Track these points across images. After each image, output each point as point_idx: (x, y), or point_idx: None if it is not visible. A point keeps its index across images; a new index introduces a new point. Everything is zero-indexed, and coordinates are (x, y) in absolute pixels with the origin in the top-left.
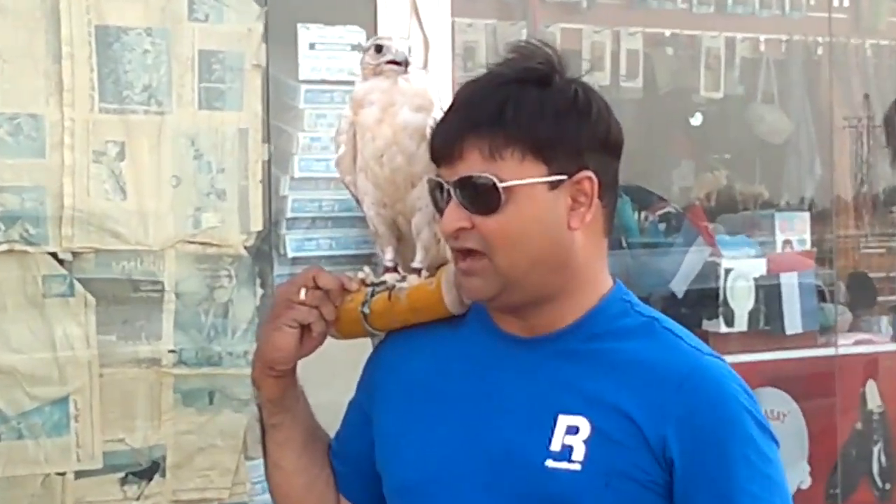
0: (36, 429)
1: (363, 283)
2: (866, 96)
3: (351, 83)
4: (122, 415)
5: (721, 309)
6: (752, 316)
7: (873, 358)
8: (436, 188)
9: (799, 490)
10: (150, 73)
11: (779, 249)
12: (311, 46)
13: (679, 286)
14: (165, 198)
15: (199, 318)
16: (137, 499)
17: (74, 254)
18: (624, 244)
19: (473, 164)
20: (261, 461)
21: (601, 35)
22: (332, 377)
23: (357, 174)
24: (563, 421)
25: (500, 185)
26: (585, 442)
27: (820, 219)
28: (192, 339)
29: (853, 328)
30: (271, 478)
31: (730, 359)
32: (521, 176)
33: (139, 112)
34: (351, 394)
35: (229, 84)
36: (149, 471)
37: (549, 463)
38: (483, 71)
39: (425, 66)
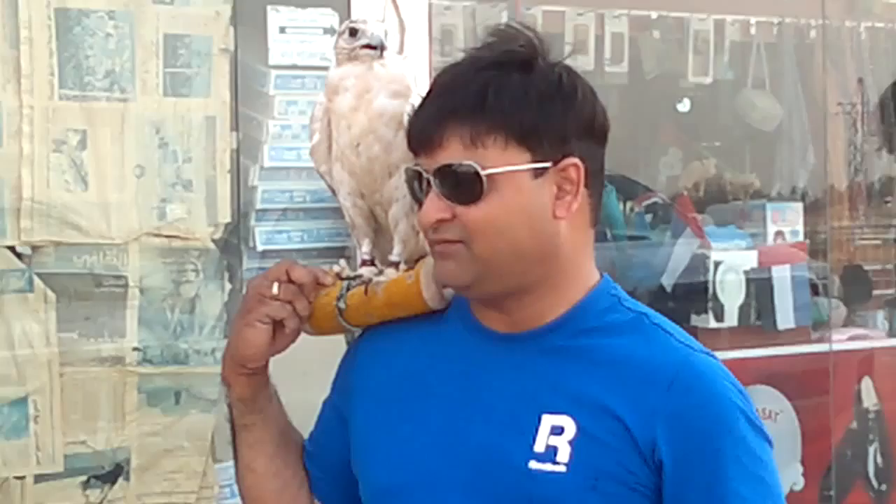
0: None
1: (338, 276)
2: (861, 81)
3: (323, 68)
4: (83, 416)
5: (710, 303)
6: (743, 311)
7: (869, 354)
8: (414, 178)
9: (792, 492)
10: (113, 57)
11: (770, 241)
12: (282, 30)
13: (667, 280)
14: (129, 189)
15: (164, 314)
16: (100, 503)
17: (33, 247)
18: (609, 236)
19: (454, 153)
20: (230, 464)
21: (585, 17)
22: (306, 375)
23: (332, 163)
24: (548, 421)
25: (482, 173)
26: (571, 443)
27: (813, 209)
28: (158, 336)
29: (848, 323)
30: (242, 481)
31: (719, 355)
32: (505, 164)
33: (101, 99)
34: (325, 393)
35: (196, 69)
36: (112, 474)
37: (533, 464)
38: (461, 55)
39: (401, 50)
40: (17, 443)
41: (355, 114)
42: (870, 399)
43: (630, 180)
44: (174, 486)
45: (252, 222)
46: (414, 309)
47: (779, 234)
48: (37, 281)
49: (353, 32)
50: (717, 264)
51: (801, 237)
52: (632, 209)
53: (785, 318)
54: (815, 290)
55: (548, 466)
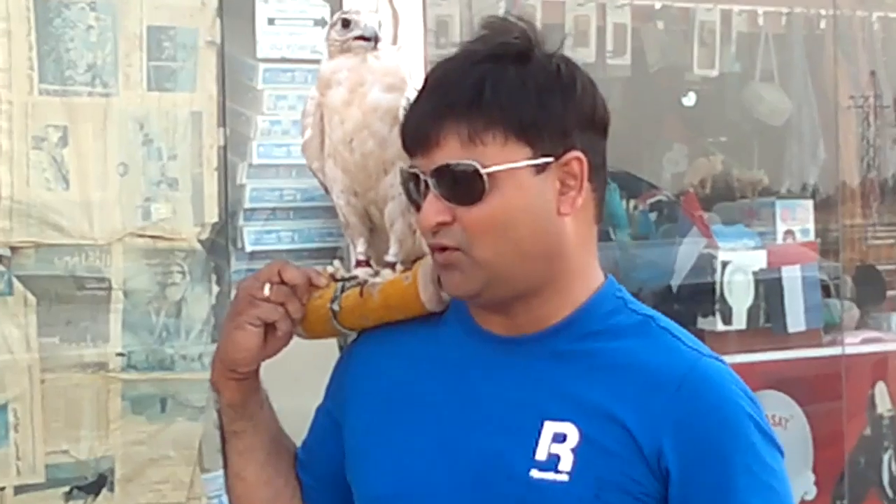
0: None
1: (332, 277)
2: (873, 73)
3: (313, 61)
4: (66, 424)
5: (717, 305)
6: (752, 313)
7: (882, 358)
8: (409, 180)
9: (803, 501)
10: (95, 51)
11: (780, 240)
12: (271, 22)
13: (672, 281)
14: (112, 187)
15: (149, 317)
16: None
17: (13, 249)
18: (612, 236)
19: (452, 152)
20: (218, 473)
21: (585, 8)
22: (298, 380)
23: (325, 160)
24: (550, 428)
25: (482, 171)
26: (573, 450)
27: (824, 207)
28: (142, 340)
29: (861, 326)
30: (232, 490)
31: (727, 359)
32: (505, 161)
33: (83, 94)
34: (318, 399)
35: (181, 63)
36: (95, 485)
37: (535, 473)
38: (457, 47)
39: (395, 41)
40: None
41: (349, 108)
42: (884, 404)
43: (634, 177)
44: (160, 497)
45: (240, 222)
46: (411, 311)
47: (788, 233)
48: (16, 284)
49: (346, 23)
50: (724, 265)
51: (811, 236)
52: (635, 207)
53: (795, 320)
54: (826, 291)
55: (549, 475)
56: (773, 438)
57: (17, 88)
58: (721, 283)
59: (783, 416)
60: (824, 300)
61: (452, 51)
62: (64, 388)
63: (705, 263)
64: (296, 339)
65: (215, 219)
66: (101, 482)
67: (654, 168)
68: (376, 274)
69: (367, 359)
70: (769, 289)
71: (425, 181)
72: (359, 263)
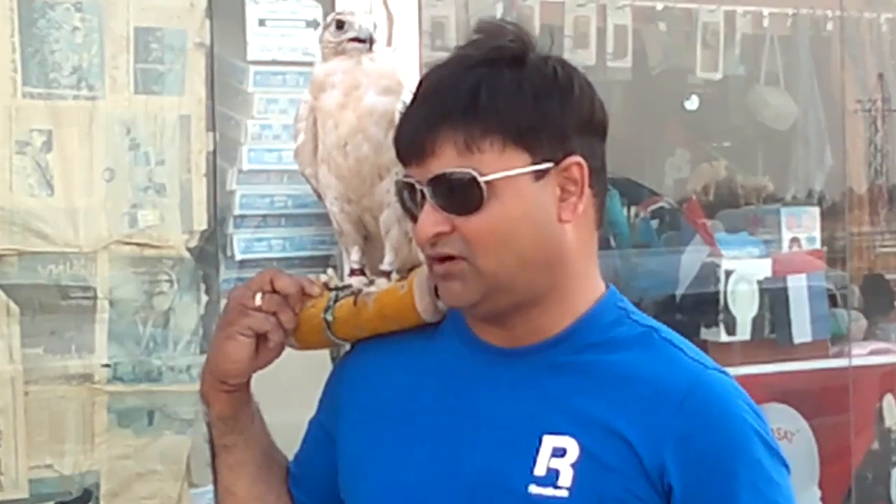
0: None
1: (326, 287)
2: (881, 76)
3: (305, 64)
4: (50, 438)
5: (721, 315)
6: (756, 323)
7: (891, 370)
8: (405, 189)
9: None
10: (80, 53)
11: (785, 249)
12: (261, 23)
13: (674, 290)
14: (97, 194)
15: (136, 328)
16: None
17: None
18: (612, 244)
19: (448, 160)
20: (207, 489)
21: (585, 9)
22: (290, 393)
23: (318, 166)
24: (549, 442)
25: (480, 179)
26: (573, 466)
27: (831, 214)
28: (129, 351)
29: (868, 336)
30: None
31: (731, 371)
32: (503, 168)
33: (68, 97)
34: (311, 411)
35: (169, 65)
36: (80, 500)
37: (533, 489)
38: (452, 51)
39: (390, 43)
40: None
41: (343, 112)
42: (892, 418)
43: (634, 184)
44: None
45: (230, 229)
46: (407, 322)
47: (794, 240)
48: None
49: (340, 25)
50: (728, 273)
51: (817, 244)
52: (637, 215)
53: (801, 331)
54: (833, 300)
55: (549, 491)
56: (779, 453)
57: None
58: (725, 293)
59: (789, 429)
60: (831, 310)
61: (448, 53)
62: (48, 400)
63: (708, 272)
64: (288, 350)
65: (204, 226)
66: (85, 498)
67: (655, 174)
68: (371, 283)
69: (361, 370)
70: (774, 298)
71: (421, 191)
72: (353, 272)
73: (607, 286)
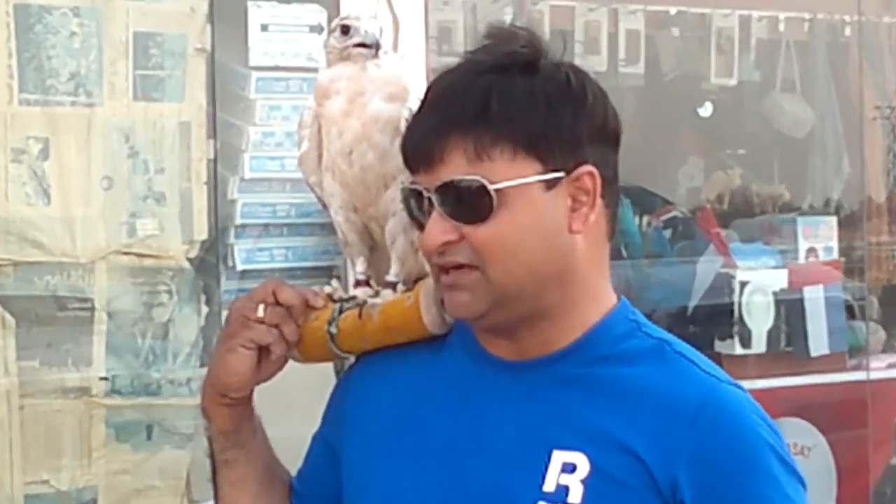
0: None
1: (330, 298)
2: None
3: (309, 70)
4: (46, 452)
5: (736, 328)
6: (772, 336)
7: None
8: (411, 197)
9: None
10: (78, 58)
11: (802, 259)
12: (264, 28)
13: (688, 302)
14: (95, 203)
15: (134, 340)
16: None
17: None
18: (624, 254)
19: (458, 167)
20: None
21: (597, 13)
22: (293, 407)
23: (322, 174)
24: (559, 457)
25: (490, 187)
26: (583, 482)
27: (849, 223)
28: (127, 364)
29: (887, 349)
30: None
31: (746, 385)
32: (514, 176)
33: (65, 104)
34: (314, 426)
35: (169, 71)
36: None
37: None
38: (458, 57)
39: (395, 48)
40: None
41: (348, 119)
42: None
43: (647, 192)
44: None
45: (231, 239)
46: (413, 334)
47: (811, 250)
48: None
49: (346, 30)
50: (742, 285)
51: (835, 254)
52: (649, 224)
53: (818, 343)
54: (850, 312)
55: None
56: (795, 469)
57: None
58: (739, 305)
59: (805, 444)
60: (849, 322)
61: (455, 59)
62: (44, 414)
63: (723, 283)
64: (291, 363)
65: (205, 235)
66: None
67: (668, 182)
68: (376, 294)
69: (366, 384)
70: (790, 310)
71: (429, 198)
72: (358, 283)
73: (619, 298)
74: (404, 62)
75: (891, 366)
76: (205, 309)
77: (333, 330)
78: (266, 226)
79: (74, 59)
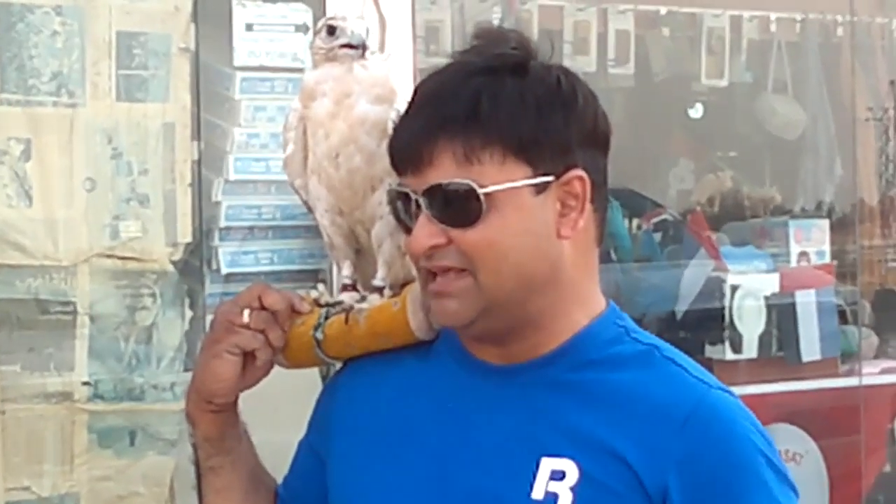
0: None
1: (316, 303)
2: (893, 84)
3: (294, 70)
4: (27, 458)
5: (727, 332)
6: (763, 341)
7: None
8: (398, 199)
9: None
10: (60, 58)
11: (793, 263)
12: (249, 27)
13: (678, 306)
14: (78, 204)
15: (117, 344)
16: None
17: None
18: (613, 258)
19: (446, 170)
20: None
21: (586, 13)
22: (279, 413)
23: (308, 177)
24: (547, 464)
25: (480, 191)
26: (573, 489)
27: (841, 227)
28: (110, 369)
29: (880, 354)
30: None
31: (737, 390)
32: (503, 180)
33: (47, 104)
34: (300, 432)
35: (153, 71)
36: None
37: None
38: (446, 57)
39: (382, 49)
40: None
41: (334, 121)
42: None
43: (637, 195)
44: None
45: (215, 242)
46: (400, 339)
47: (803, 254)
48: None
49: (332, 30)
50: (734, 289)
51: (827, 258)
52: (639, 227)
53: (810, 348)
54: (843, 317)
55: None
56: (787, 476)
57: None
58: (730, 309)
59: (797, 451)
60: (841, 327)
61: (443, 59)
62: (25, 419)
63: (713, 287)
64: (276, 369)
65: (189, 238)
66: None
67: (658, 185)
68: (363, 299)
69: (352, 390)
70: (782, 315)
71: (416, 201)
72: (344, 288)
73: (607, 302)
74: (391, 63)
75: (884, 371)
76: (189, 313)
77: (319, 335)
78: (251, 228)
79: (57, 58)
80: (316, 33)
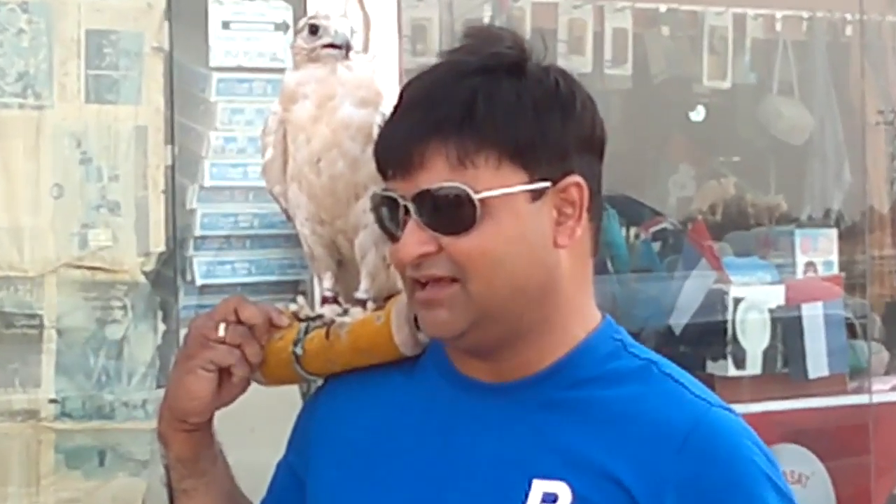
0: None
1: (295, 317)
2: None
3: (274, 70)
4: None
5: (729, 348)
6: (768, 356)
7: None
8: (383, 205)
9: None
10: (27, 58)
11: (800, 274)
12: (225, 25)
13: (677, 320)
14: (45, 212)
15: (86, 359)
16: None
17: None
18: (610, 268)
19: (438, 174)
20: None
21: (581, 11)
22: (256, 432)
23: (288, 184)
24: (539, 487)
25: (475, 196)
26: None
27: (849, 236)
28: (78, 385)
29: (890, 370)
30: None
31: (740, 409)
32: (498, 185)
33: (12, 106)
34: (278, 453)
35: (124, 72)
36: None
37: None
38: (433, 58)
39: (366, 49)
40: None
41: (316, 125)
42: None
43: (634, 202)
44: None
45: (190, 251)
46: (383, 355)
47: (809, 265)
48: None
49: (314, 30)
50: (737, 301)
51: (835, 269)
52: (637, 236)
53: (817, 364)
54: (852, 331)
55: None
56: (792, 499)
57: None
58: (733, 323)
59: (803, 472)
60: (849, 342)
61: (431, 59)
62: None
63: (715, 300)
64: (254, 386)
65: (162, 248)
66: None
67: (657, 192)
68: (345, 313)
69: (333, 408)
70: (787, 329)
71: (405, 207)
72: (325, 300)
73: (603, 316)
74: (376, 64)
75: (894, 388)
76: (162, 326)
77: (299, 351)
78: (227, 237)
79: (22, 58)
80: (297, 32)
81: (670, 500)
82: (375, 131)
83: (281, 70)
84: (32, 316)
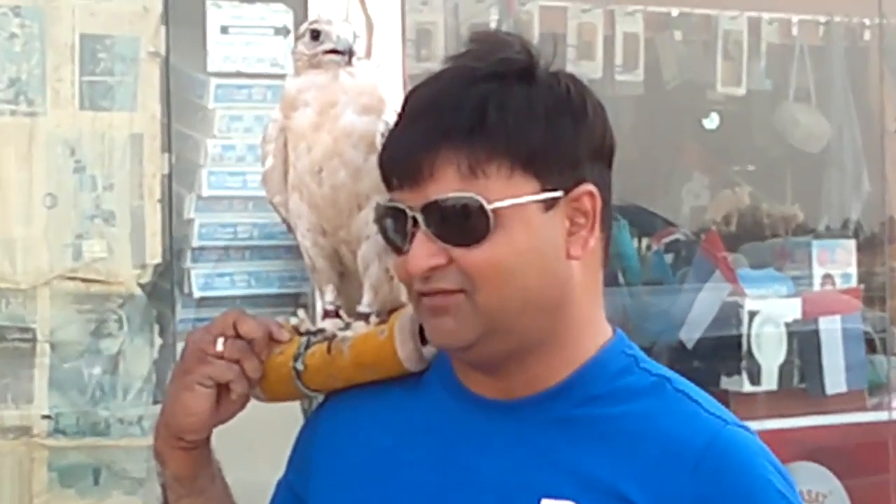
0: None
1: (296, 331)
2: None
3: (274, 76)
4: None
5: (744, 362)
6: (784, 371)
7: None
8: (388, 216)
9: None
10: (19, 63)
11: (817, 287)
12: (224, 30)
13: (690, 334)
14: (38, 222)
15: (80, 374)
16: None
17: None
18: (621, 280)
19: (448, 184)
20: None
21: (591, 15)
22: (256, 450)
23: (289, 193)
24: None
25: (488, 207)
26: None
27: (868, 247)
28: (72, 401)
29: None
30: None
31: (755, 426)
32: (510, 195)
33: (5, 113)
34: (279, 471)
35: (119, 77)
36: None
37: None
38: (437, 64)
39: (369, 54)
40: None
41: (317, 133)
42: None
43: (647, 212)
44: None
45: (187, 263)
46: (387, 371)
47: (827, 277)
48: None
49: (316, 35)
50: (752, 315)
51: (853, 281)
52: (649, 247)
53: (835, 380)
54: (871, 345)
55: None
56: None
57: None
58: (748, 337)
59: (820, 491)
60: (868, 356)
61: (435, 65)
62: None
63: (730, 313)
64: (253, 403)
65: (158, 259)
66: None
67: (670, 202)
68: (347, 327)
69: (335, 426)
70: (804, 343)
71: (413, 218)
72: (326, 314)
73: (614, 330)
74: (380, 70)
75: None
76: (158, 340)
77: (300, 366)
78: (226, 248)
79: (15, 63)
80: (298, 38)
81: None
82: (379, 140)
83: (281, 76)
84: (25, 329)
